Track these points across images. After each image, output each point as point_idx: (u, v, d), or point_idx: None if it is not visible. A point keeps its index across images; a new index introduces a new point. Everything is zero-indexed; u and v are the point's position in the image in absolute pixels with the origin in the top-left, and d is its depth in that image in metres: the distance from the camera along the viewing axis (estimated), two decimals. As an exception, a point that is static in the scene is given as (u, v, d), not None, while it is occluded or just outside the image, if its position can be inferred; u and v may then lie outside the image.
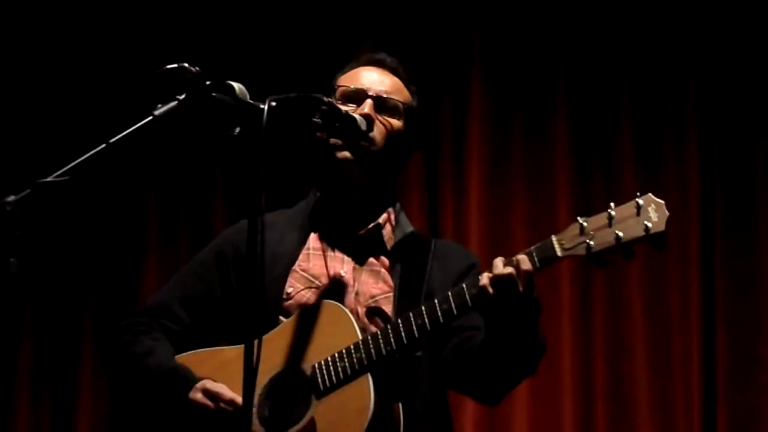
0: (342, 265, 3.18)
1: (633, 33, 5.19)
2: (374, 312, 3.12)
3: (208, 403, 3.03)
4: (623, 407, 5.02)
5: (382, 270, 3.18)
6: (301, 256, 3.20)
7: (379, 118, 3.18)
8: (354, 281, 3.15)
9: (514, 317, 2.91)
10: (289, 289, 3.15)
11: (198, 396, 3.05)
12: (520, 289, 2.85)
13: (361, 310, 3.12)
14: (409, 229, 3.26)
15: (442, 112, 5.25)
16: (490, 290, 2.87)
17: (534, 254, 2.87)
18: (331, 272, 3.16)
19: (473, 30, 5.30)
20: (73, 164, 2.52)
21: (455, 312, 2.93)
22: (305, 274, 3.17)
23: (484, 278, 2.88)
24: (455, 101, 5.28)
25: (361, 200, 3.23)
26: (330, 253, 3.20)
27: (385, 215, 3.23)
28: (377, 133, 3.16)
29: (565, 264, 4.95)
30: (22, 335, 5.35)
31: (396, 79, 3.28)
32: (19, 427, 5.31)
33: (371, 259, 3.19)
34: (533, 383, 4.99)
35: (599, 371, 5.04)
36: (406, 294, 3.10)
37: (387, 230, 3.23)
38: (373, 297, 3.14)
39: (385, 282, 3.16)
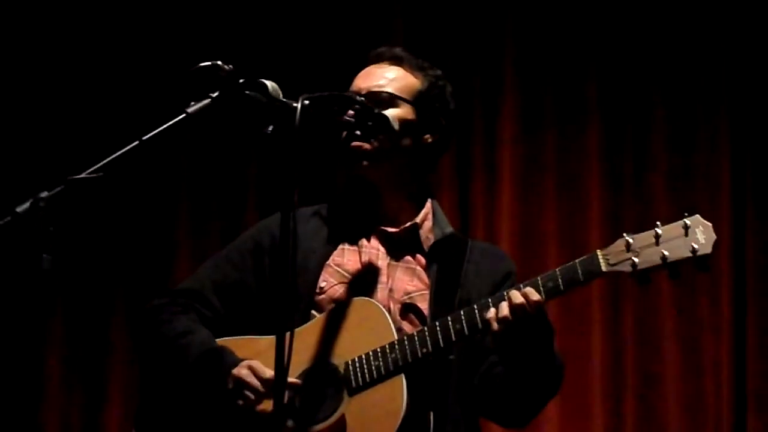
0: (377, 261, 3.17)
1: (665, 35, 5.15)
2: (409, 309, 3.12)
3: (252, 379, 3.01)
4: (653, 421, 4.98)
5: (418, 267, 3.17)
6: (335, 252, 3.20)
7: None
8: (388, 277, 3.15)
9: (526, 344, 2.93)
10: (322, 284, 3.15)
11: (243, 372, 3.03)
12: (528, 317, 2.87)
13: (395, 307, 3.12)
14: (449, 229, 3.24)
15: (474, 113, 5.23)
16: (495, 326, 2.89)
17: (578, 268, 2.87)
18: (365, 268, 3.16)
19: (505, 30, 5.28)
20: (106, 161, 2.53)
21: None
22: (339, 269, 3.17)
23: (491, 314, 2.90)
24: (487, 101, 5.26)
25: (391, 197, 3.21)
26: (365, 249, 3.19)
27: (422, 214, 3.22)
28: None
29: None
30: (53, 330, 5.38)
31: (395, 69, 3.24)
32: (50, 417, 5.33)
33: (407, 257, 3.18)
34: (563, 392, 4.98)
35: (630, 383, 5.01)
36: (441, 294, 3.09)
37: (425, 229, 3.21)
38: (408, 294, 3.13)
39: (421, 280, 3.15)
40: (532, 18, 5.27)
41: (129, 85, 5.42)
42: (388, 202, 3.21)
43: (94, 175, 2.51)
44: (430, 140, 3.23)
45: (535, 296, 2.87)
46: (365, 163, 3.14)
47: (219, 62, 2.65)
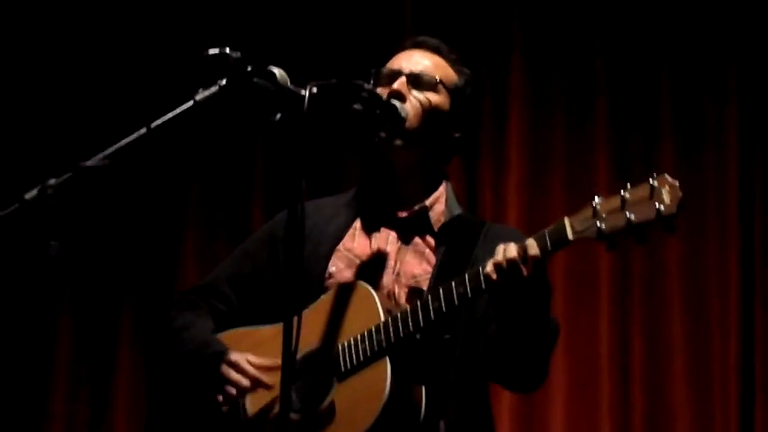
0: (386, 245, 3.17)
1: (675, 28, 5.13)
2: (415, 292, 3.10)
3: (233, 375, 3.05)
4: (660, 398, 4.99)
5: (427, 250, 3.16)
6: (346, 237, 3.20)
7: (414, 93, 3.15)
8: (396, 261, 3.14)
9: (520, 301, 2.88)
10: (331, 269, 3.15)
11: (224, 368, 3.07)
12: (524, 273, 2.82)
13: (401, 291, 3.11)
14: (457, 211, 3.22)
15: (482, 101, 5.22)
16: (493, 276, 2.85)
17: (547, 236, 2.83)
18: (374, 252, 3.16)
19: (513, 17, 5.27)
20: (114, 148, 2.53)
21: (470, 295, 2.90)
22: (348, 254, 3.17)
23: (489, 265, 2.86)
24: (495, 90, 5.26)
25: (408, 183, 3.20)
26: (375, 233, 3.19)
27: (433, 196, 3.21)
28: (410, 108, 3.12)
29: (603, 257, 4.94)
30: (61, 319, 5.38)
31: (437, 58, 3.25)
32: (57, 409, 5.34)
33: (417, 239, 3.17)
34: (570, 373, 4.98)
35: (636, 364, 5.01)
36: (445, 275, 3.05)
37: (436, 212, 3.20)
38: (414, 277, 3.12)
39: (429, 262, 3.14)
40: (540, 5, 5.26)
41: (137, 73, 5.42)
42: (404, 187, 3.20)
43: (102, 162, 2.51)
44: (456, 135, 3.24)
45: (533, 250, 2.81)
46: (398, 142, 3.12)
47: (227, 49, 2.65)
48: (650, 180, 2.71)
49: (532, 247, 2.82)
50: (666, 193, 2.68)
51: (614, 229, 2.73)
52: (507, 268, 2.83)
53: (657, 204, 2.68)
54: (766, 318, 4.94)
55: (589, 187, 5.09)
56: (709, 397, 4.95)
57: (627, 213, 2.71)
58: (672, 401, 4.98)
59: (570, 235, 2.79)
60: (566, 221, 2.80)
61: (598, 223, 2.74)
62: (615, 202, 2.74)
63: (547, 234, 2.83)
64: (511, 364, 3.02)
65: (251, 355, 3.08)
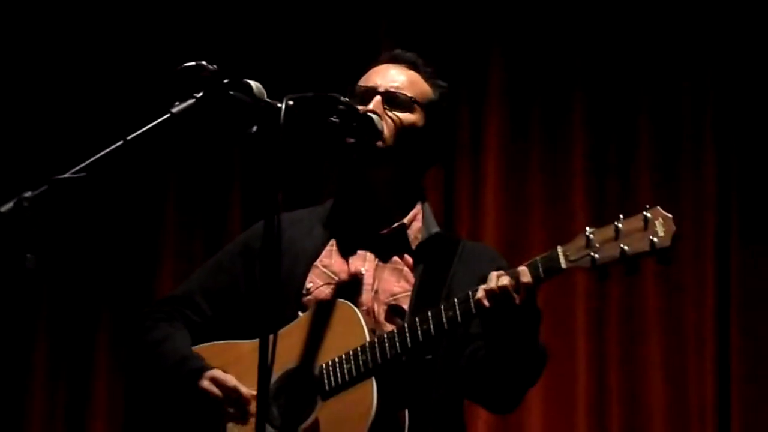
0: (364, 262, 3.17)
1: (652, 52, 5.16)
2: (394, 310, 3.11)
3: (215, 390, 3.06)
4: (637, 415, 5.00)
5: (405, 269, 3.17)
6: (324, 253, 3.20)
7: (389, 113, 3.16)
8: (374, 279, 3.15)
9: (511, 328, 2.90)
10: (308, 285, 3.15)
11: (205, 383, 3.07)
12: (517, 301, 2.84)
13: (381, 308, 3.11)
14: (435, 229, 3.23)
15: (460, 109, 5.23)
16: (486, 303, 2.86)
17: (539, 264, 2.85)
18: (352, 269, 3.16)
19: (493, 24, 5.29)
20: (90, 161, 2.53)
21: (460, 319, 2.92)
22: (326, 271, 3.17)
23: (480, 291, 2.88)
24: (473, 98, 5.27)
25: (384, 197, 3.21)
26: (353, 250, 3.19)
27: (411, 214, 3.22)
28: (385, 128, 3.13)
29: (579, 277, 4.95)
30: (38, 331, 5.37)
31: (413, 74, 3.25)
32: (34, 421, 5.32)
33: (395, 258, 3.18)
34: (547, 392, 4.99)
35: (613, 380, 5.04)
36: (425, 293, 3.08)
37: (413, 229, 3.21)
38: (393, 295, 3.13)
39: (407, 280, 3.15)
40: (519, 28, 5.28)
41: (113, 86, 5.42)
42: (381, 203, 3.21)
43: (79, 174, 2.51)
44: (431, 149, 3.25)
45: (526, 277, 2.83)
46: (374, 161, 3.13)
47: (203, 62, 2.65)
48: (644, 212, 2.75)
49: (525, 275, 2.85)
50: (660, 225, 2.73)
51: (608, 260, 2.76)
52: (499, 296, 2.85)
53: (651, 236, 2.72)
54: (741, 333, 4.96)
55: (567, 204, 5.11)
56: (686, 407, 4.98)
57: (621, 244, 2.75)
58: (649, 414, 4.99)
59: (563, 264, 2.82)
60: (559, 250, 2.83)
61: (592, 253, 2.78)
62: (608, 232, 2.78)
63: (539, 262, 2.85)
64: (496, 388, 3.04)
65: (230, 376, 3.08)
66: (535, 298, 2.89)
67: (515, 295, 2.84)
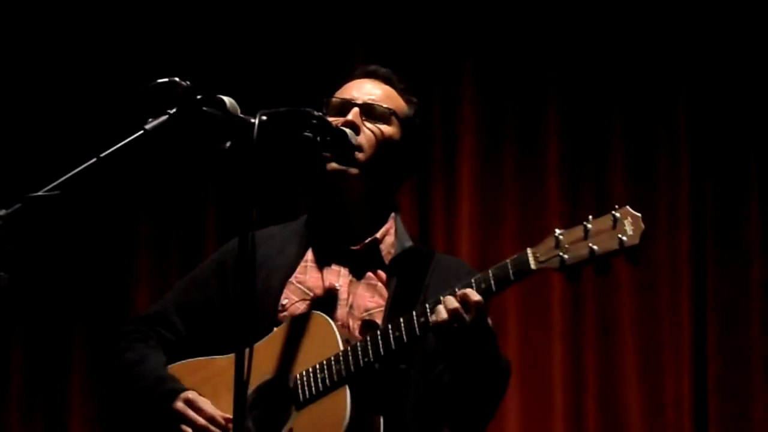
0: (338, 278, 3.17)
1: (626, 56, 5.18)
2: (368, 325, 3.11)
3: (189, 413, 3.05)
4: (614, 425, 5.02)
5: (379, 284, 3.17)
6: (298, 269, 3.20)
7: (367, 125, 3.17)
8: (349, 294, 3.15)
9: (467, 349, 2.90)
10: (284, 301, 3.15)
11: (179, 405, 3.06)
12: (467, 320, 2.83)
13: (355, 324, 3.11)
14: (408, 243, 3.24)
15: (433, 121, 5.24)
16: (436, 326, 2.86)
17: (509, 266, 2.85)
18: (326, 285, 3.16)
19: (466, 35, 5.30)
20: (63, 178, 2.52)
21: (431, 324, 2.90)
22: (301, 287, 3.17)
23: (432, 317, 2.87)
24: (446, 110, 5.28)
25: (358, 212, 3.21)
26: (327, 265, 3.19)
27: (383, 229, 3.22)
28: (364, 139, 3.14)
29: (556, 282, 4.97)
30: (12, 351, 5.34)
31: (388, 88, 3.27)
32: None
33: (369, 273, 3.18)
34: (524, 402, 5.00)
35: (590, 389, 5.05)
36: (398, 307, 3.07)
37: (386, 244, 3.21)
38: (367, 310, 3.13)
39: (381, 296, 3.15)
40: (492, 27, 5.29)
41: (87, 102, 5.41)
42: (355, 218, 3.21)
43: (52, 192, 2.50)
44: (405, 164, 3.26)
45: (475, 297, 2.84)
46: (354, 171, 3.14)
47: (176, 78, 2.64)
48: (612, 212, 2.75)
49: (472, 294, 2.84)
50: (629, 224, 2.72)
51: (577, 260, 2.76)
52: (447, 324, 2.84)
53: (620, 235, 2.72)
54: (717, 334, 4.99)
55: (541, 214, 5.13)
56: (662, 416, 5.00)
57: (590, 243, 2.75)
58: (626, 423, 5.01)
59: (533, 265, 2.82)
60: (529, 252, 2.83)
61: (561, 254, 2.78)
62: (577, 233, 2.78)
63: (509, 264, 2.85)
64: (461, 409, 3.04)
65: (206, 400, 3.07)
66: (484, 316, 2.88)
67: (466, 315, 2.84)
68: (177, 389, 3.10)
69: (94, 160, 2.56)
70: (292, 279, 3.18)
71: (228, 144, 2.66)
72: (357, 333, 3.10)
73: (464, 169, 5.23)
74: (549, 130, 5.21)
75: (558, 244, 2.79)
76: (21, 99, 5.44)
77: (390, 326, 2.96)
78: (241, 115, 2.69)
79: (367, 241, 3.19)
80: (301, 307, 3.14)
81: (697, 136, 5.11)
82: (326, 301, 3.14)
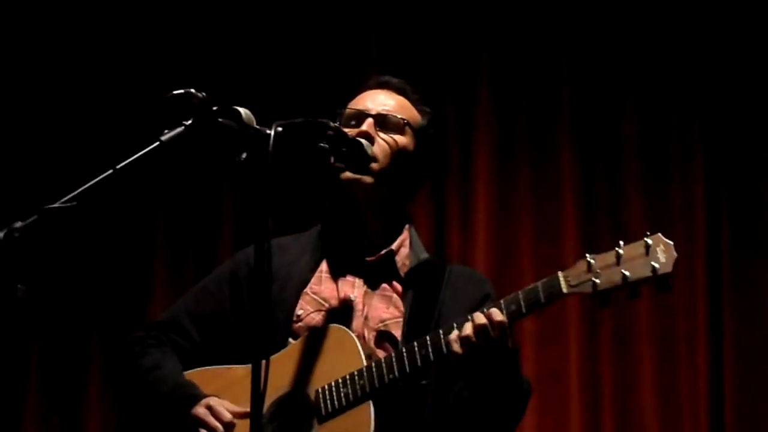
0: (353, 289, 3.17)
1: (639, 71, 5.19)
2: (384, 336, 3.11)
3: (210, 419, 3.04)
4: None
5: (394, 295, 3.17)
6: (313, 279, 3.20)
7: (381, 135, 3.18)
8: (364, 305, 3.15)
9: (489, 368, 2.91)
10: (299, 312, 3.15)
11: (200, 411, 3.06)
12: (492, 338, 2.84)
13: (370, 335, 3.12)
14: (424, 255, 3.25)
15: (449, 136, 5.24)
16: (457, 348, 2.87)
17: (540, 289, 2.86)
18: (342, 296, 3.16)
19: (480, 49, 5.31)
20: (80, 190, 2.53)
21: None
22: (316, 297, 3.17)
23: (453, 335, 2.88)
24: (461, 117, 5.28)
25: (373, 223, 3.22)
26: (342, 276, 3.20)
27: (399, 240, 3.23)
28: (378, 150, 3.15)
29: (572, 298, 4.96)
30: (29, 362, 5.35)
31: (402, 99, 3.28)
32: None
33: (384, 285, 3.19)
34: (540, 418, 4.99)
35: (607, 404, 5.03)
36: (416, 320, 3.09)
37: (401, 255, 3.22)
38: (383, 321, 3.13)
39: (396, 307, 3.15)
40: (506, 34, 5.30)
41: (103, 113, 5.42)
42: (369, 228, 3.22)
43: (68, 204, 2.51)
44: (420, 174, 3.28)
45: (498, 317, 2.85)
46: (369, 180, 3.14)
47: (192, 90, 2.65)
48: (645, 238, 2.77)
49: (497, 314, 2.85)
50: (661, 251, 2.75)
51: (609, 285, 2.79)
52: (474, 339, 2.85)
53: (653, 262, 2.74)
54: (733, 343, 4.97)
55: (557, 223, 5.11)
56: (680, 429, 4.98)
57: (622, 270, 2.77)
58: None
59: (564, 289, 2.83)
60: (560, 275, 2.84)
61: (594, 278, 2.80)
62: (610, 258, 2.80)
63: (540, 287, 2.86)
64: (482, 427, 3.03)
65: (227, 402, 3.07)
66: (507, 336, 2.88)
67: (491, 334, 2.84)
68: (197, 395, 3.10)
69: (110, 171, 2.56)
70: (307, 290, 3.18)
71: (244, 155, 2.67)
72: (372, 344, 3.11)
73: (480, 182, 5.22)
74: (563, 141, 5.21)
75: (590, 269, 2.81)
76: (37, 112, 5.46)
77: (416, 344, 2.96)
78: (257, 126, 2.69)
79: (382, 252, 3.20)
80: (316, 318, 3.14)
81: (712, 146, 5.10)
82: (342, 311, 3.14)
